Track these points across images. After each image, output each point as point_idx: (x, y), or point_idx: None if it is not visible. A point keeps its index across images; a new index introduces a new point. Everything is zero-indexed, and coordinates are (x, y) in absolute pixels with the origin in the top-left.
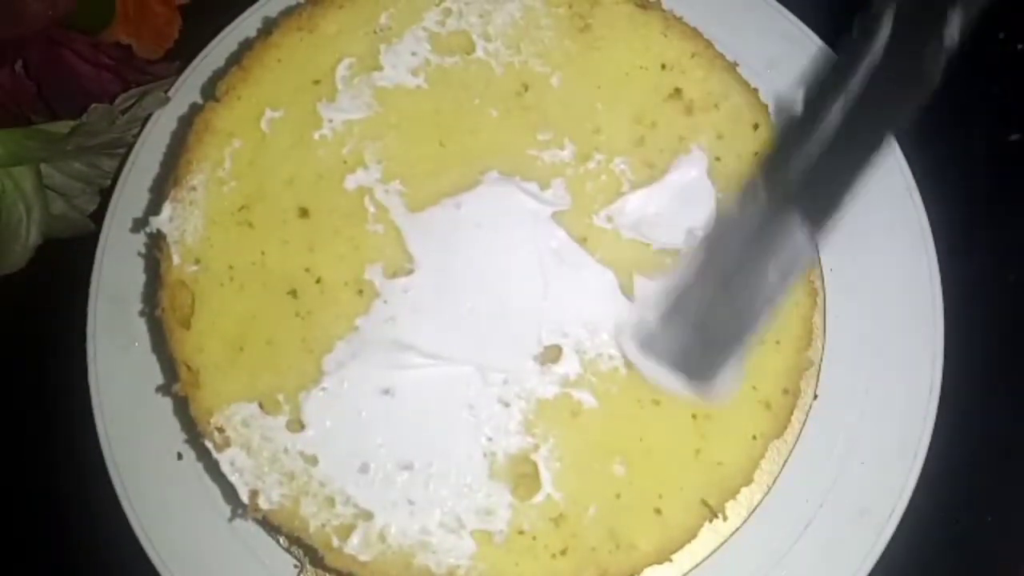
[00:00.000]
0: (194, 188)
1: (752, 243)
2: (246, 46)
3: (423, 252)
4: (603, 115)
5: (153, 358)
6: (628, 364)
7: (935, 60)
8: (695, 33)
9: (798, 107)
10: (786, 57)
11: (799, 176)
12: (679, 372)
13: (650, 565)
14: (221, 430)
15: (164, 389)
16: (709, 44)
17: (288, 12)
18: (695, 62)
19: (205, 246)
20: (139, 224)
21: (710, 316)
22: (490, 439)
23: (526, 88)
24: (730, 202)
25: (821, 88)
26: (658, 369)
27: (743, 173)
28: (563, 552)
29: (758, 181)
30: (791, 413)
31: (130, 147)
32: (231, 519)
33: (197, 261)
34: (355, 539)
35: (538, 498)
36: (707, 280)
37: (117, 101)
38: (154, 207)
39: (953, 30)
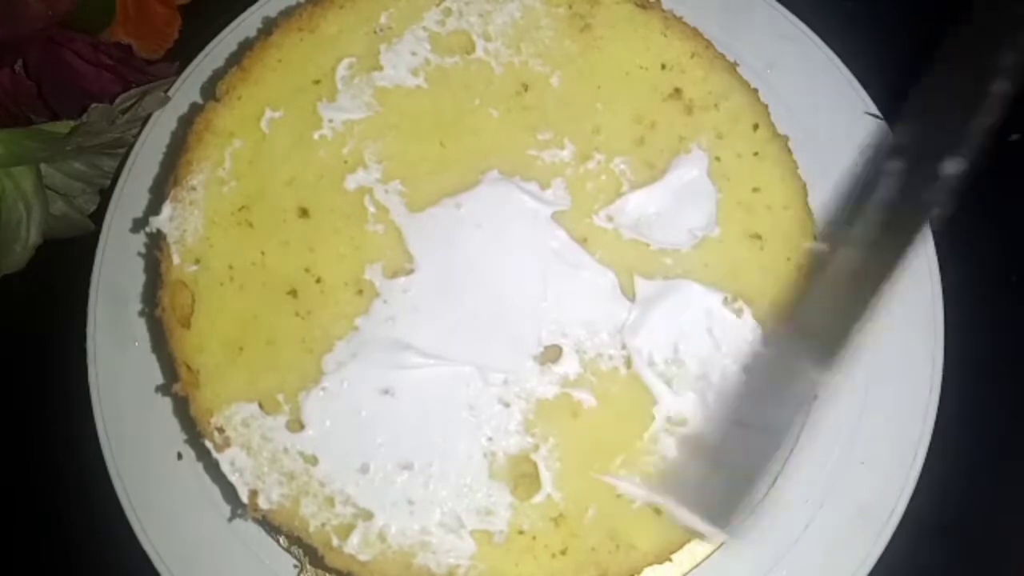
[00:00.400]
0: (194, 188)
1: (763, 380)
2: (246, 46)
3: (423, 252)
4: (603, 115)
5: (153, 358)
6: (628, 364)
7: (941, 194)
8: (695, 33)
9: (818, 253)
10: (786, 57)
11: (814, 319)
12: (700, 510)
13: (650, 565)
14: (221, 430)
15: (164, 389)
16: (709, 44)
17: (288, 12)
18: (695, 62)
19: (205, 246)
20: (139, 224)
21: (726, 453)
22: (490, 439)
23: (526, 88)
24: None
25: (833, 235)
26: (680, 509)
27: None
28: (563, 552)
29: (781, 330)
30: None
31: (130, 147)
32: (231, 519)
33: (197, 261)
34: (355, 539)
35: (538, 498)
36: (724, 422)
37: (117, 101)
38: (154, 207)
39: (954, 165)
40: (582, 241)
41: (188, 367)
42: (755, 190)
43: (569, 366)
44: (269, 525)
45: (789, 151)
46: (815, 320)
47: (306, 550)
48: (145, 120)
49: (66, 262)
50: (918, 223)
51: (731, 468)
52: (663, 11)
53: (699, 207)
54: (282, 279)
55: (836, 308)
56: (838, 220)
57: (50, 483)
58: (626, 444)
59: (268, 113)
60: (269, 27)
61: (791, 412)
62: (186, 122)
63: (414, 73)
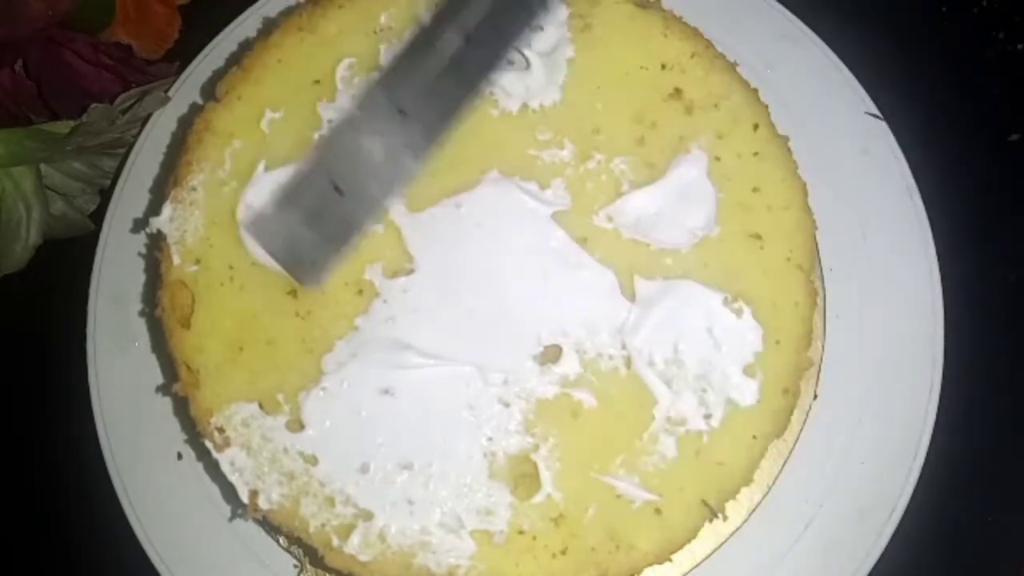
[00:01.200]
0: (194, 188)
1: (363, 150)
2: (246, 46)
3: (423, 252)
4: (603, 115)
5: (153, 358)
6: (628, 364)
7: None
8: (695, 33)
9: (420, 24)
10: (786, 57)
11: (414, 93)
12: (286, 257)
13: (650, 565)
14: (221, 430)
15: (164, 389)
16: (709, 44)
17: (288, 12)
18: (695, 62)
19: (205, 246)
20: (139, 224)
21: (322, 210)
22: (490, 439)
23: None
24: (355, 100)
25: (439, 13)
26: (265, 253)
27: (743, 173)
28: (563, 552)
29: (377, 88)
30: (791, 413)
31: (130, 147)
32: (231, 519)
33: (197, 261)
34: (355, 539)
35: (538, 498)
36: (321, 174)
37: (117, 101)
38: (154, 207)
39: None
40: (582, 241)
41: (188, 367)
42: (755, 190)
43: (569, 366)
44: (269, 525)
45: (789, 151)
46: (414, 100)
47: (306, 550)
48: (145, 120)
49: (66, 262)
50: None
51: (320, 228)
52: (663, 11)
53: (699, 207)
54: (282, 279)
55: (435, 92)
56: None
57: (50, 483)
58: (626, 444)
59: (268, 113)
60: (269, 27)
61: (383, 188)
62: (186, 122)
63: None
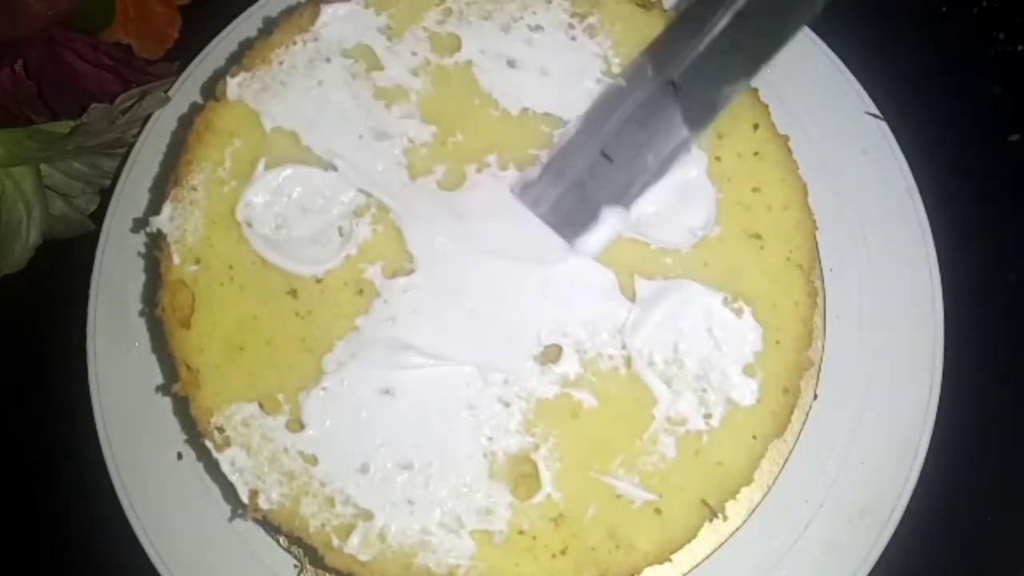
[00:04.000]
0: (194, 188)
1: (635, 120)
2: (246, 46)
3: (423, 252)
4: None
5: (153, 358)
6: (628, 364)
7: None
8: None
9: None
10: (786, 57)
11: (685, 69)
12: (550, 219)
13: (650, 565)
14: (221, 430)
15: (164, 389)
16: None
17: (288, 12)
18: None
19: (205, 246)
20: (139, 224)
21: (588, 177)
22: (490, 439)
23: None
24: (623, 76)
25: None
26: (532, 213)
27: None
28: (563, 552)
29: (648, 63)
30: (791, 413)
31: (130, 147)
32: (231, 519)
33: (197, 261)
34: (355, 539)
35: (538, 498)
36: (590, 144)
37: (117, 101)
38: (154, 207)
39: None
40: None
41: (188, 367)
42: (755, 190)
43: (569, 366)
44: (269, 525)
45: (789, 151)
46: (693, 78)
47: (306, 550)
48: (145, 120)
49: (66, 262)
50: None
51: (590, 191)
52: (664, 11)
53: (699, 207)
54: (282, 279)
55: (714, 69)
56: None
57: (50, 483)
58: (626, 444)
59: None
60: (269, 27)
61: (657, 157)
62: (186, 122)
63: (414, 73)
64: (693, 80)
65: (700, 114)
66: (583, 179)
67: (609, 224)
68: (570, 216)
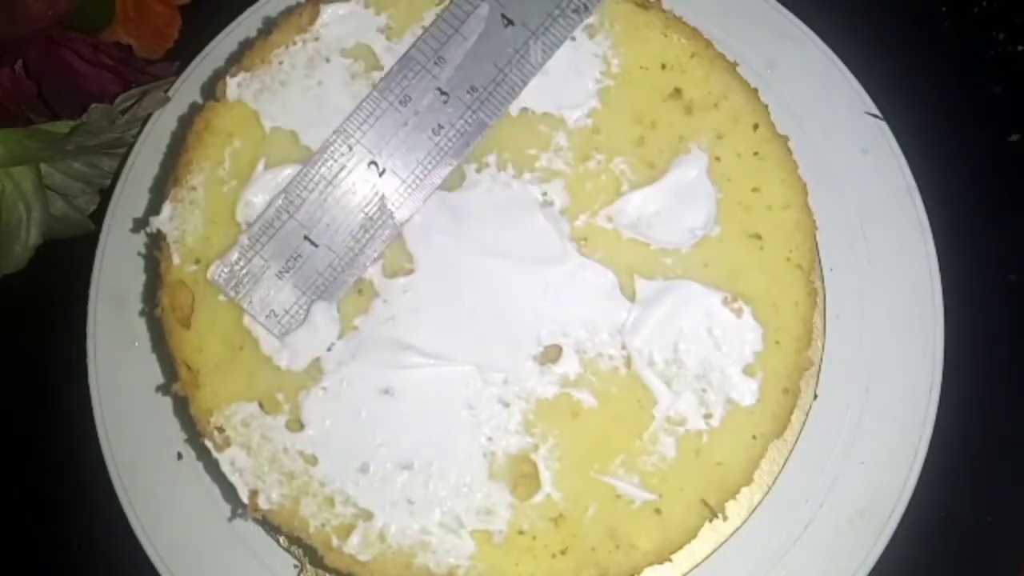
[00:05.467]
0: (194, 188)
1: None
2: (246, 46)
3: (423, 252)
4: (603, 115)
5: (153, 358)
6: (628, 364)
7: None
8: (695, 33)
9: None
10: (786, 57)
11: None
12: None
13: (650, 565)
14: (221, 430)
15: (164, 389)
16: (709, 44)
17: (288, 12)
18: (695, 62)
19: (205, 246)
20: (139, 224)
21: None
22: (490, 439)
23: None
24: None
25: None
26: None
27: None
28: (563, 552)
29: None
30: (791, 413)
31: (130, 147)
32: (231, 519)
33: (197, 261)
34: (355, 539)
35: (538, 498)
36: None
37: (117, 101)
38: (154, 207)
39: None
40: (582, 241)
41: (188, 367)
42: (755, 190)
43: (569, 366)
44: (269, 525)
45: (789, 151)
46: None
47: (306, 550)
48: (145, 120)
49: (66, 262)
50: None
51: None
52: (663, 11)
53: (699, 207)
54: None
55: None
56: None
57: (50, 483)
58: (626, 444)
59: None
60: (269, 27)
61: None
62: (186, 122)
63: None
64: (398, 160)
65: (407, 199)
66: (288, 266)
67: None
68: (275, 310)
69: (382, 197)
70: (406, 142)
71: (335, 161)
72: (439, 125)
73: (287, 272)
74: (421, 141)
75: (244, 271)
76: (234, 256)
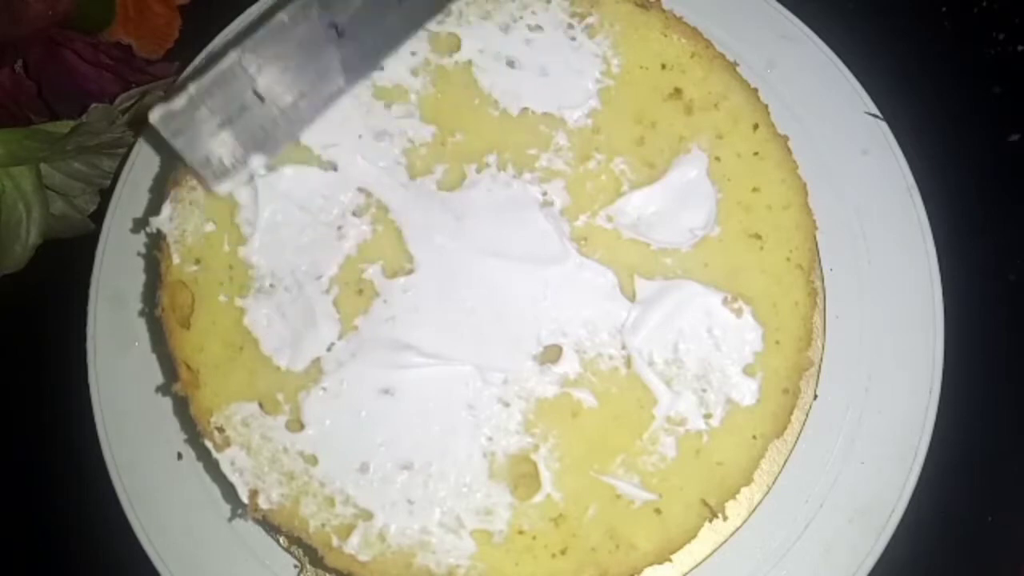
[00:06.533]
0: (194, 188)
1: (292, 59)
2: None
3: (423, 252)
4: (603, 115)
5: (153, 358)
6: (628, 364)
7: None
8: (695, 33)
9: None
10: (786, 57)
11: (352, 14)
12: (197, 159)
13: (650, 565)
14: (221, 430)
15: (164, 389)
16: (709, 44)
17: None
18: (695, 62)
19: (205, 246)
20: (139, 224)
21: (237, 115)
22: (490, 439)
23: None
24: (287, 12)
25: None
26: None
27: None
28: (563, 552)
29: (314, 4)
30: (791, 413)
31: (130, 147)
32: (231, 519)
33: (197, 261)
34: (355, 539)
35: (538, 498)
36: (244, 78)
37: (117, 101)
38: (154, 207)
39: None
40: (582, 241)
41: (188, 367)
42: (755, 190)
43: (569, 366)
44: (269, 525)
45: (789, 151)
46: (350, 20)
47: (306, 550)
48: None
49: (66, 262)
50: None
51: (236, 132)
52: (663, 11)
53: (699, 207)
54: None
55: (380, 18)
56: None
57: (50, 483)
58: (626, 444)
59: None
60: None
61: (310, 104)
62: None
63: (414, 73)
64: (359, 26)
65: (360, 63)
66: (232, 117)
67: (250, 169)
68: (214, 157)
69: (337, 60)
70: (371, 7)
71: (299, 12)
72: None
73: (229, 123)
74: (387, 7)
75: (187, 116)
76: (181, 102)
